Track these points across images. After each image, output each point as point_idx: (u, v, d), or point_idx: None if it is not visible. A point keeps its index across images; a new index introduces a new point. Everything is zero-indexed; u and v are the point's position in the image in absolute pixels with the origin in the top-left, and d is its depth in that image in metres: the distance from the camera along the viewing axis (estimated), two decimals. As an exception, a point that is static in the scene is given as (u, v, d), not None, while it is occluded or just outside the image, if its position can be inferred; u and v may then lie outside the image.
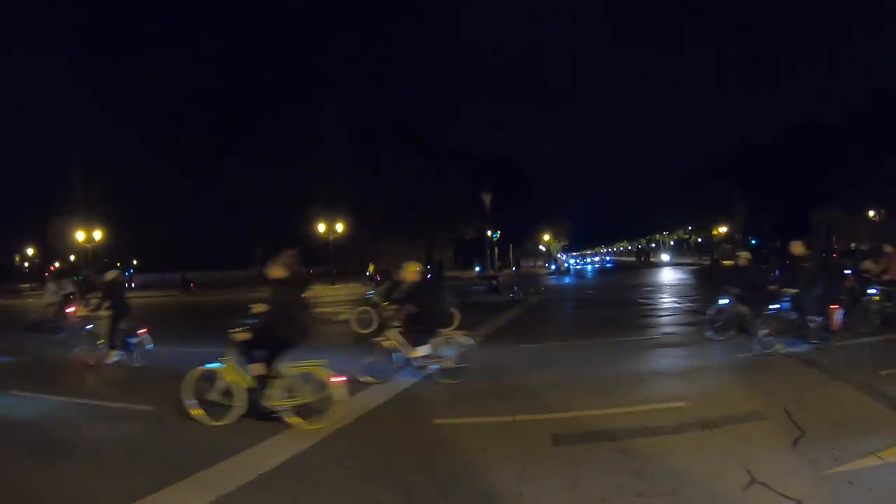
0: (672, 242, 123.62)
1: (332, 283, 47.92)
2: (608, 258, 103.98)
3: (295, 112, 65.07)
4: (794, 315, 11.54)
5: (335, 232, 52.93)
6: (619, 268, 64.50)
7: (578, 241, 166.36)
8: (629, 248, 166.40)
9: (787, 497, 4.92)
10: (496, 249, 52.84)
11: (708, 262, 64.86)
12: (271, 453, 6.51)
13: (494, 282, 32.69)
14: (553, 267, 71.35)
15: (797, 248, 12.00)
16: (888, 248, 14.28)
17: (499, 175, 65.10)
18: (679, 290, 28.50)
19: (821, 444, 6.12)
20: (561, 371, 10.64)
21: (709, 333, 12.88)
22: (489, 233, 49.08)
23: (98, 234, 51.43)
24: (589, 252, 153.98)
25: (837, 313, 11.55)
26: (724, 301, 12.73)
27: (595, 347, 13.18)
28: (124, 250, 65.76)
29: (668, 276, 42.22)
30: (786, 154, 76.54)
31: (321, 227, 53.27)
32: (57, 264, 70.99)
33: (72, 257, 63.72)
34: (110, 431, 7.67)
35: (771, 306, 11.37)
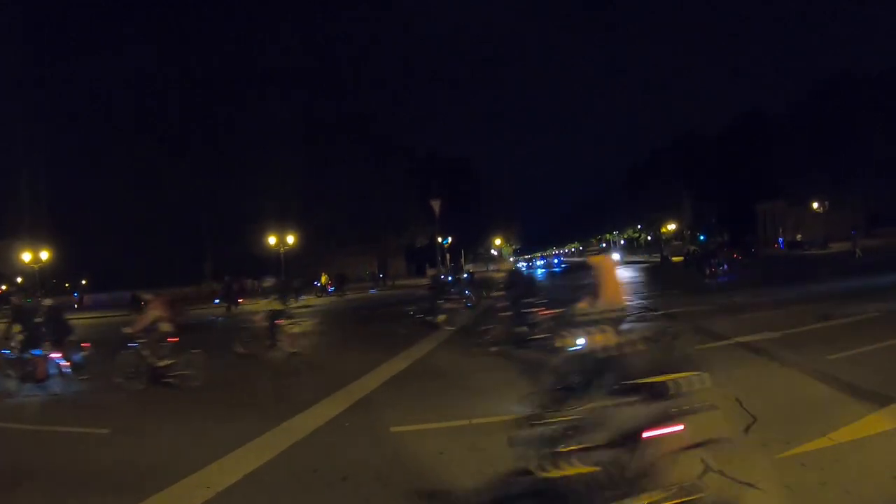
0: (622, 241, 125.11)
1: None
2: (557, 259, 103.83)
3: (246, 121, 63.82)
4: None
5: (286, 244, 52.25)
6: (571, 269, 64.81)
7: (530, 244, 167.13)
8: (581, 248, 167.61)
9: (741, 482, 5.01)
10: (448, 255, 52.87)
11: (658, 260, 65.63)
12: (229, 469, 6.40)
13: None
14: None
15: None
16: (146, 296, 12.60)
17: (449, 180, 65.21)
18: (629, 288, 28.77)
19: (772, 429, 6.27)
20: (514, 372, 10.53)
21: None
22: (440, 239, 49.04)
23: (45, 255, 49.77)
24: (539, 254, 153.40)
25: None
26: None
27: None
28: (73, 269, 64.03)
29: (619, 274, 42.62)
30: (730, 147, 78.28)
31: (272, 240, 52.59)
32: (4, 287, 68.81)
33: (18, 279, 61.78)
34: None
35: None
